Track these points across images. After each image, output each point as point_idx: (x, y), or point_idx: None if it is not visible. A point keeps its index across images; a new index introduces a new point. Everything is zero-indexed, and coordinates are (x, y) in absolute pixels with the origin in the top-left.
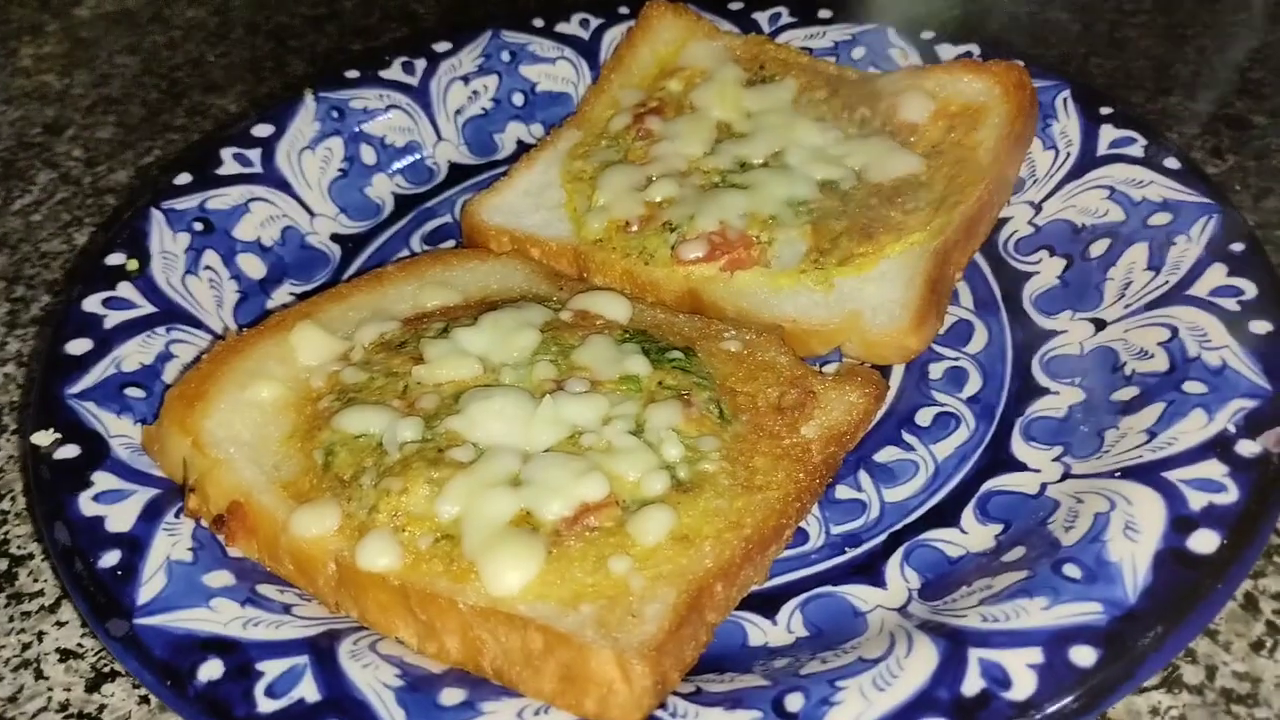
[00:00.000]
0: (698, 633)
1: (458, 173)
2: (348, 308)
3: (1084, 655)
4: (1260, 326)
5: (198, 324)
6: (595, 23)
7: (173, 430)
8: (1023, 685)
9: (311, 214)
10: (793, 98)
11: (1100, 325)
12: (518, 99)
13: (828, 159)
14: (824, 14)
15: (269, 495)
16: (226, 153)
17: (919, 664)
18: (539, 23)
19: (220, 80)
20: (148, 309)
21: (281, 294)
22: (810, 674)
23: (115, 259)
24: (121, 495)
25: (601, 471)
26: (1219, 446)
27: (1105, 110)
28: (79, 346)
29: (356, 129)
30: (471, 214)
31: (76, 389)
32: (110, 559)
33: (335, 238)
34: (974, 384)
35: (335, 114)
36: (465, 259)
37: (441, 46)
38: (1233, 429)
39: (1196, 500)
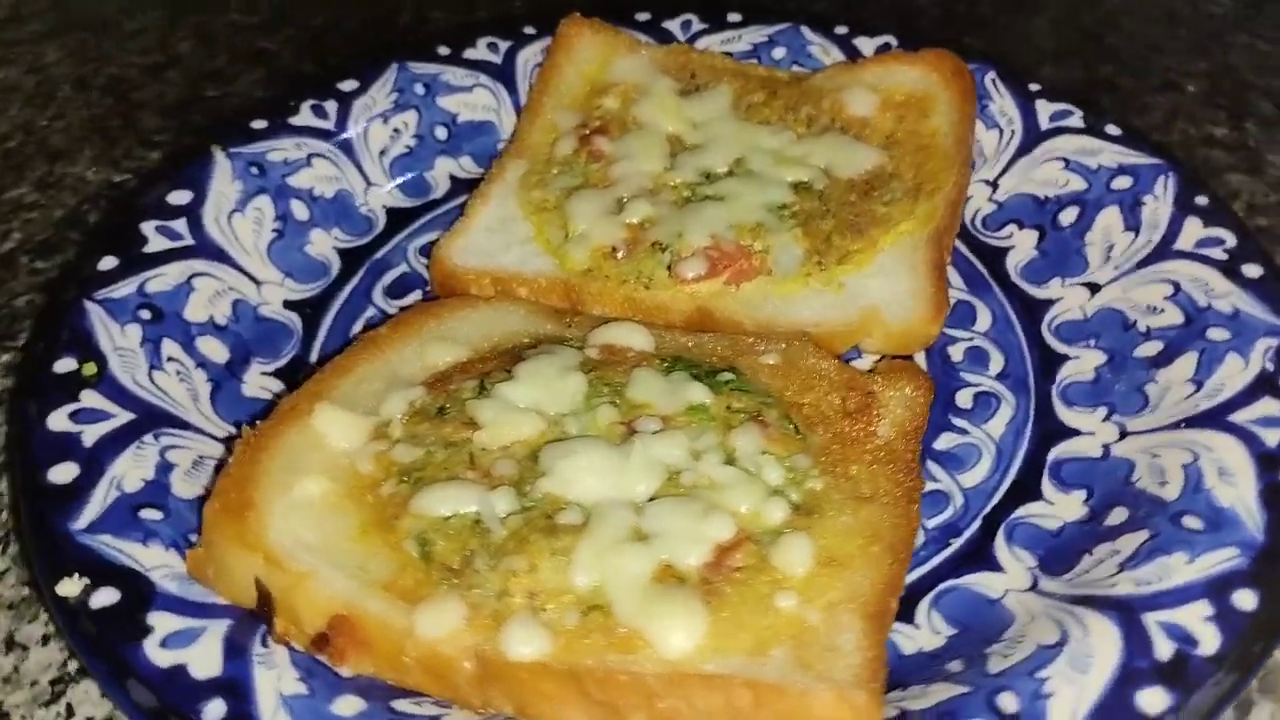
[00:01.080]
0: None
1: (397, 218)
2: (356, 380)
3: (1245, 599)
4: (1252, 270)
5: (183, 424)
6: (504, 45)
7: (233, 549)
8: (1208, 640)
9: (258, 282)
10: (731, 104)
11: (1095, 288)
12: (440, 133)
13: (791, 161)
14: (734, 17)
15: (373, 601)
16: (148, 226)
17: (1104, 640)
18: (445, 50)
19: (62, 145)
20: (125, 416)
21: (254, 375)
22: (1004, 671)
23: (66, 365)
24: (193, 635)
25: (722, 509)
26: (1266, 385)
27: (1034, 86)
28: (64, 473)
29: (281, 183)
30: (442, 260)
31: (82, 523)
32: (215, 711)
33: (289, 305)
34: (997, 361)
35: (255, 170)
36: (455, 309)
37: (348, 85)
38: (1270, 366)
39: (1270, 436)
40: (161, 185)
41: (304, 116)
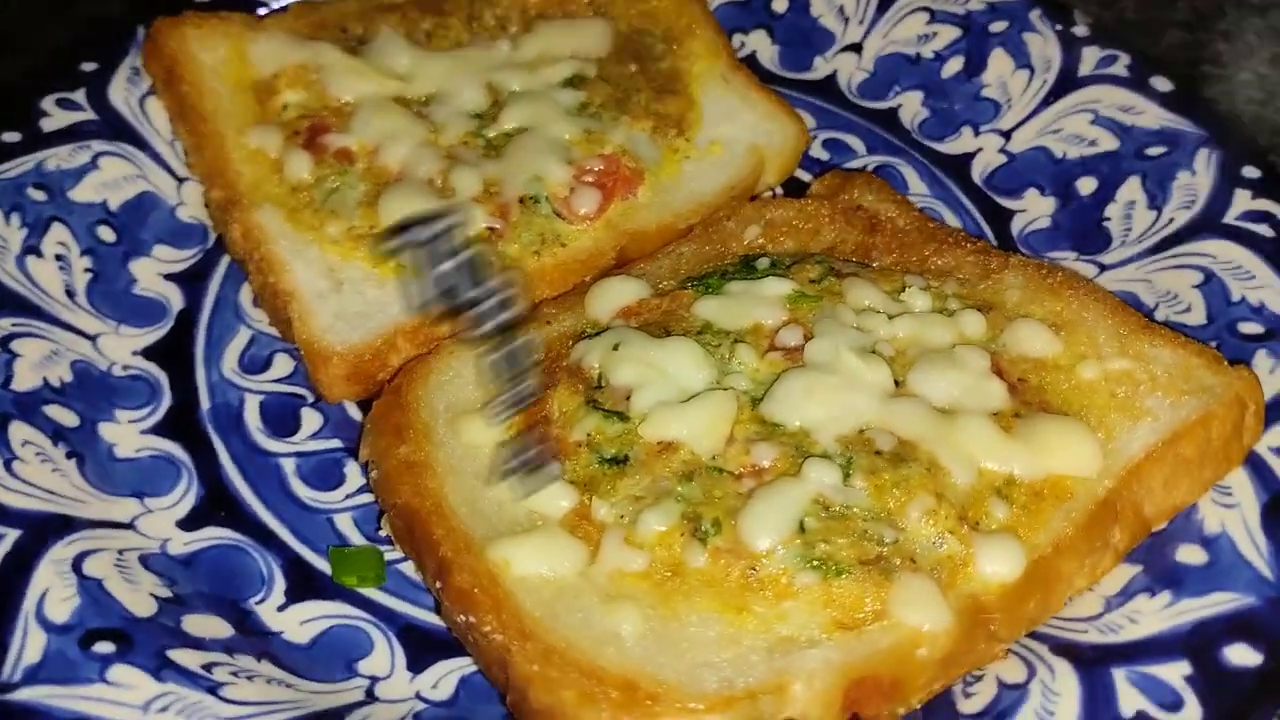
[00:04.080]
0: None
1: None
2: (455, 509)
3: None
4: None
5: None
6: (78, 96)
7: None
8: None
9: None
10: (408, 44)
11: (1102, 268)
12: (106, 234)
13: (537, 65)
14: None
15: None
16: None
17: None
18: (13, 137)
19: None
20: None
21: None
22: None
23: None
24: None
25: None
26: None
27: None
28: None
29: None
30: (328, 351)
31: None
32: None
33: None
34: (952, 222)
35: None
36: (425, 383)
37: None
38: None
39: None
40: None
41: None
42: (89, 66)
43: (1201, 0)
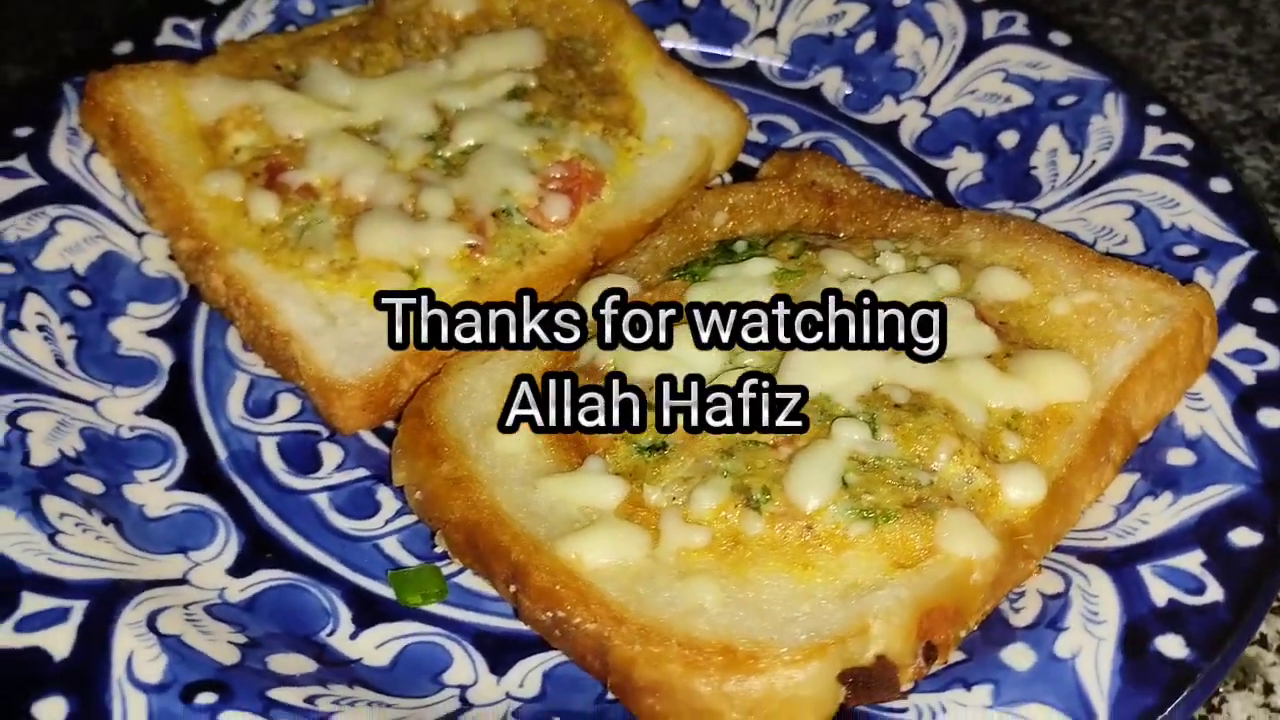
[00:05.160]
0: None
1: (162, 414)
2: (512, 518)
3: None
4: (1059, 38)
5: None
6: (20, 163)
7: None
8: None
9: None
10: (344, 73)
11: (1037, 213)
12: (80, 299)
13: (474, 82)
14: None
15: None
16: None
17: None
18: None
19: None
20: None
21: None
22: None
23: None
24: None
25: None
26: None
27: None
28: None
29: None
30: (341, 384)
31: None
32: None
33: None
34: (891, 185)
35: None
36: (445, 402)
37: None
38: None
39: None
40: None
41: None
42: (23, 132)
43: None
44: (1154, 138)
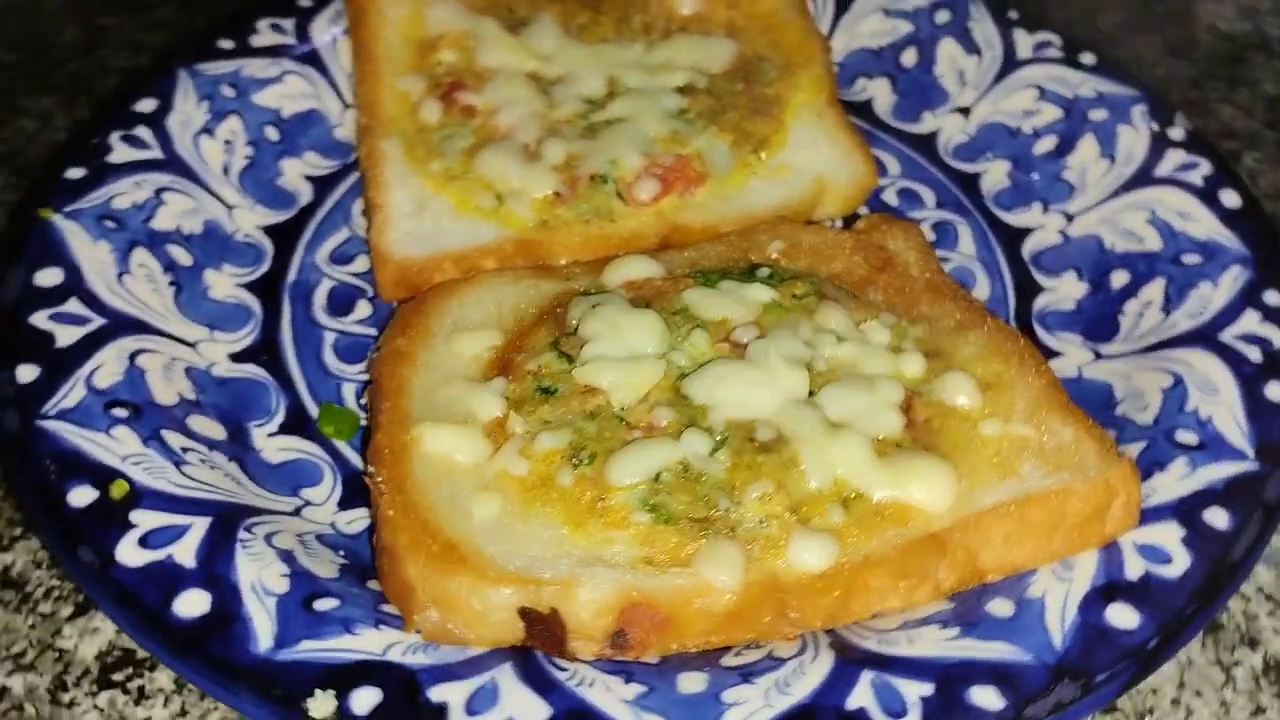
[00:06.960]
0: None
1: (281, 236)
2: (415, 397)
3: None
4: (1230, 198)
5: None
6: (288, 23)
7: (474, 593)
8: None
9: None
10: (562, 31)
11: (1070, 217)
12: (271, 133)
13: (659, 68)
14: None
15: (648, 578)
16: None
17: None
18: (228, 44)
19: None
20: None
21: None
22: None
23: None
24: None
25: (878, 377)
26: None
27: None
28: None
29: None
30: (390, 258)
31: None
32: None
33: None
34: (983, 284)
35: None
36: (447, 299)
37: (148, 105)
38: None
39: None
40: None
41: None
42: (147, 106)
43: None
44: (1250, 322)
